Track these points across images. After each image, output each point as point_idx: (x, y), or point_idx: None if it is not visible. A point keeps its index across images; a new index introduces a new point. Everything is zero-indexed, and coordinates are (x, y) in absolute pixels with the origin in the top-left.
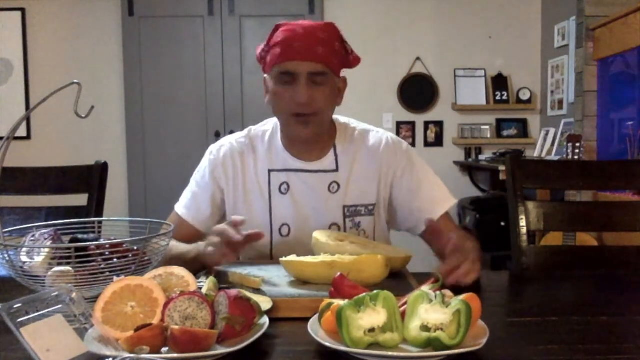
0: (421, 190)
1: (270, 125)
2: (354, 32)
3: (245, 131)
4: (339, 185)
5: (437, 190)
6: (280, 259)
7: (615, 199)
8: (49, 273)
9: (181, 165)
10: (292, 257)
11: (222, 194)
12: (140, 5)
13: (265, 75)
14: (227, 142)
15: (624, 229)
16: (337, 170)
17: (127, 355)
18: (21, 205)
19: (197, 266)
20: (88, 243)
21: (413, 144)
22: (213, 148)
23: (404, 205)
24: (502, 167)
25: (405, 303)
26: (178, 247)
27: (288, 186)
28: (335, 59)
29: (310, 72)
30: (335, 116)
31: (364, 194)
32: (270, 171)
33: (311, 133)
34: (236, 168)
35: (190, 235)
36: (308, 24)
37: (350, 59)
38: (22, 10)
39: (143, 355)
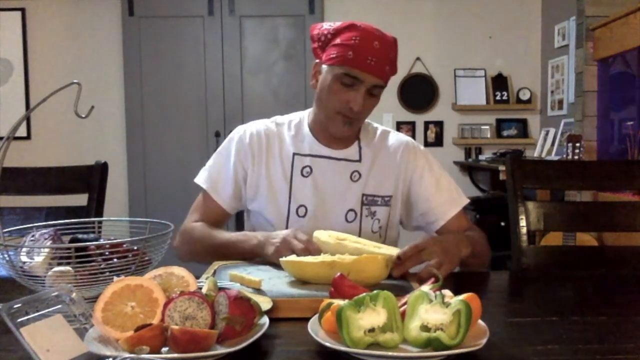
0: (439, 190)
1: (297, 116)
2: None
3: (272, 118)
4: (360, 175)
5: (453, 190)
6: (280, 259)
7: (615, 199)
8: (49, 273)
9: (181, 165)
10: (292, 257)
11: (245, 173)
12: (140, 5)
13: (324, 66)
14: (254, 125)
15: (624, 229)
16: (359, 160)
17: (127, 355)
18: (21, 205)
19: (249, 255)
20: (88, 243)
21: None
22: (239, 129)
23: (423, 203)
24: (502, 167)
25: (405, 303)
26: (221, 233)
27: (310, 170)
28: (392, 75)
29: (373, 85)
30: None
31: (382, 185)
32: (294, 154)
33: (351, 132)
34: (261, 149)
35: (216, 213)
36: (383, 39)
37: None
38: (22, 10)
39: (143, 355)
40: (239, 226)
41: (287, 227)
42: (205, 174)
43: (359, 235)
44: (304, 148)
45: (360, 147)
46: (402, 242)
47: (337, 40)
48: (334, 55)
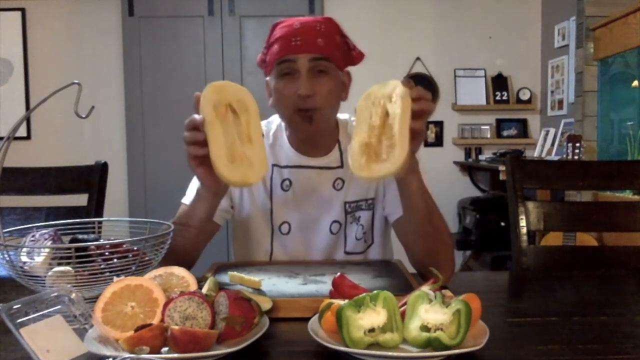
0: None
1: (275, 123)
2: (354, 32)
3: None
4: (343, 182)
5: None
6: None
7: (615, 199)
8: (49, 273)
9: (181, 165)
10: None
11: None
12: (140, 5)
13: (267, 78)
14: None
15: (624, 229)
16: (342, 166)
17: (127, 355)
18: (21, 205)
19: (211, 200)
20: (88, 243)
21: None
22: None
23: (390, 191)
24: (502, 167)
25: (405, 303)
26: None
27: (290, 183)
28: (337, 51)
29: (311, 59)
30: None
31: (365, 189)
32: (273, 166)
33: (316, 129)
34: None
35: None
36: (305, 19)
37: (354, 55)
38: (22, 10)
39: (143, 355)
40: None
41: (271, 245)
42: (191, 193)
43: (345, 245)
44: (282, 159)
45: (341, 152)
46: (396, 245)
47: (269, 44)
48: (268, 60)
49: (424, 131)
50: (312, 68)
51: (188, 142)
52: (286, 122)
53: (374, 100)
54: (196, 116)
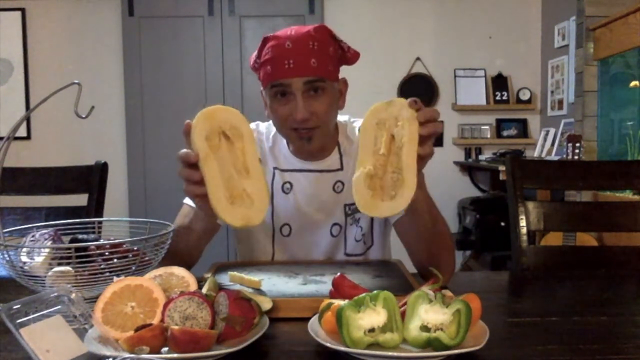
0: None
1: (273, 127)
2: (354, 32)
3: (253, 125)
4: (343, 184)
5: None
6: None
7: (615, 199)
8: (49, 273)
9: None
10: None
11: None
12: (140, 5)
13: (262, 90)
14: None
15: (624, 229)
16: (341, 169)
17: (127, 355)
18: (21, 205)
19: (207, 220)
20: (88, 243)
21: None
22: None
23: None
24: (502, 167)
25: (405, 303)
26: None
27: (291, 186)
28: (331, 65)
29: (305, 82)
30: None
31: None
32: (275, 169)
33: (315, 146)
34: None
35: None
36: (296, 35)
37: (348, 56)
38: (22, 10)
39: (143, 355)
40: None
41: (273, 247)
42: None
43: (345, 247)
44: (282, 162)
45: (340, 154)
46: (395, 245)
47: (260, 61)
48: (261, 78)
49: (432, 151)
50: (307, 90)
51: (184, 180)
52: (285, 138)
53: (378, 122)
54: (190, 152)
